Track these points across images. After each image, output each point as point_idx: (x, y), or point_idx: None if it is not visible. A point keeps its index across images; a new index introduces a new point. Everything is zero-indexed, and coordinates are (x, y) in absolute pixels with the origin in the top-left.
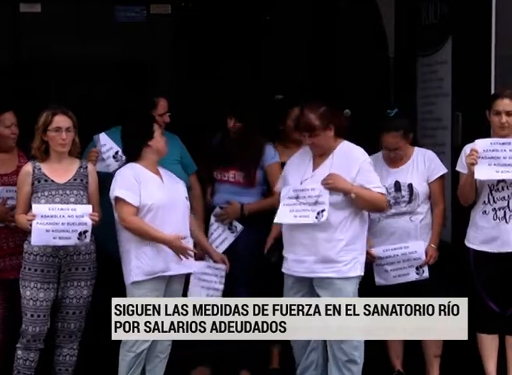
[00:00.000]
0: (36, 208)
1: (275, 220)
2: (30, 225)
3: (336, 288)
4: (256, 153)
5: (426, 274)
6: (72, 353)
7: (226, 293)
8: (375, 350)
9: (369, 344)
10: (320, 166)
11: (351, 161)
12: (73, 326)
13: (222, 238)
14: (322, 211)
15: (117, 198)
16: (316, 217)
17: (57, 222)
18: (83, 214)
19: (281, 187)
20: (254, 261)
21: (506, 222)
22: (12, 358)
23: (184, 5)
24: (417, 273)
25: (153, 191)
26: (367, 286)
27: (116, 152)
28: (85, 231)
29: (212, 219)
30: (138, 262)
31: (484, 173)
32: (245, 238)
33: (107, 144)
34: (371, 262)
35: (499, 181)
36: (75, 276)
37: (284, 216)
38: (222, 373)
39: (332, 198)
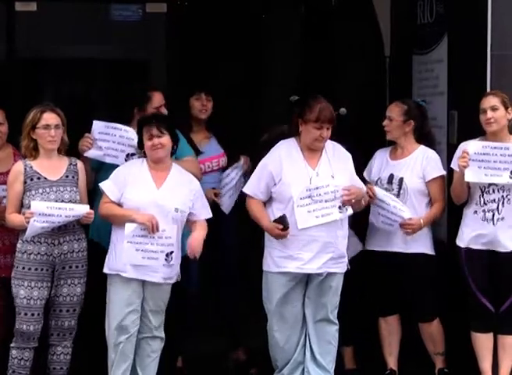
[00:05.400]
0: (34, 205)
1: (300, 226)
2: (27, 222)
3: (338, 283)
4: None
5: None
6: (67, 351)
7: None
8: (370, 348)
9: (362, 342)
10: (318, 162)
11: (343, 157)
12: (67, 324)
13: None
14: (344, 204)
15: (102, 190)
16: (340, 212)
17: (53, 221)
18: (79, 214)
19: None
20: (237, 249)
21: (494, 224)
22: (7, 357)
23: (180, 4)
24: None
25: (138, 194)
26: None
27: (132, 154)
28: None
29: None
30: (109, 255)
31: (473, 175)
32: (228, 228)
33: (105, 135)
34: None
35: (490, 184)
36: (68, 274)
37: (305, 219)
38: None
39: None
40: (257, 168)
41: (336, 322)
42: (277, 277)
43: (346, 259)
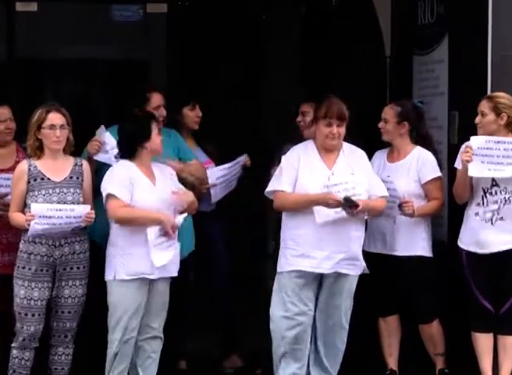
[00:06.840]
0: (35, 208)
1: (318, 221)
2: (28, 224)
3: (351, 285)
4: None
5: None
6: (68, 352)
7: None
8: (369, 348)
9: (363, 342)
10: (335, 163)
11: (360, 156)
12: (69, 325)
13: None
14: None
15: (109, 195)
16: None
17: (55, 222)
18: (80, 215)
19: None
20: (226, 247)
21: (492, 224)
22: (7, 357)
23: (180, 4)
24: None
25: (145, 196)
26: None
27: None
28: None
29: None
30: (123, 260)
31: (477, 170)
32: (217, 227)
33: (109, 142)
34: None
35: (493, 185)
36: (70, 275)
37: (326, 214)
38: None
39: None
40: (280, 167)
41: (346, 326)
42: (290, 277)
43: (360, 262)
